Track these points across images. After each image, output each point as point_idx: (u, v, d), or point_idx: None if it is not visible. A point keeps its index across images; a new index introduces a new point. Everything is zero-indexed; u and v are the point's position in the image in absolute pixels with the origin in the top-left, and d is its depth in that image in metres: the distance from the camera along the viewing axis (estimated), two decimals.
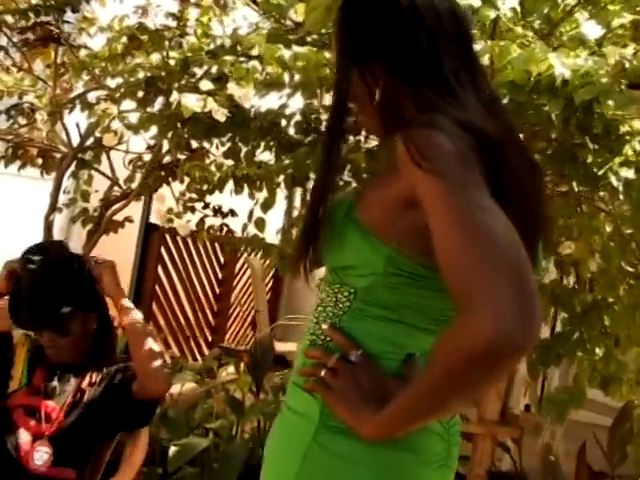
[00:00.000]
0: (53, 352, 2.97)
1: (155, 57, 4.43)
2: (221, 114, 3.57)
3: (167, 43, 4.25)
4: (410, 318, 1.67)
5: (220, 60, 3.77)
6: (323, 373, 1.67)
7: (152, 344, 2.85)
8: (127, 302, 2.91)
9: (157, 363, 2.84)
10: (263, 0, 4.41)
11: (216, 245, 8.32)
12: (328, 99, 4.41)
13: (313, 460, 1.67)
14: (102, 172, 5.46)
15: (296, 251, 1.74)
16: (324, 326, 1.72)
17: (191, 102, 3.54)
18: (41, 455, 2.83)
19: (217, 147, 4.53)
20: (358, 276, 1.68)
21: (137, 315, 2.89)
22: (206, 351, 8.26)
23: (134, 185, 5.26)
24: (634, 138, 3.37)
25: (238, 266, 8.88)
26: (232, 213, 5.12)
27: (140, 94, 4.39)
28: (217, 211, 4.95)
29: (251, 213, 4.68)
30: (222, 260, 8.60)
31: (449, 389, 1.44)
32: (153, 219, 6.98)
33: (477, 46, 2.94)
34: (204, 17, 4.57)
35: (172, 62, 4.29)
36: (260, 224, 4.67)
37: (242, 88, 3.62)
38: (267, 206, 4.70)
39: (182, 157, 5.10)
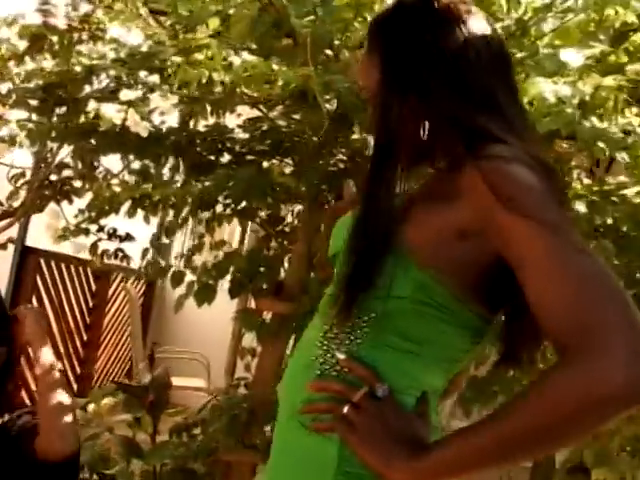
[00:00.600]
0: None
1: (55, 62, 4.00)
2: (143, 128, 3.18)
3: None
4: (430, 353, 1.56)
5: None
6: (346, 410, 1.48)
7: (63, 397, 2.66)
8: (46, 352, 2.72)
9: (67, 418, 2.64)
10: (172, 11, 4.07)
11: (88, 271, 8.02)
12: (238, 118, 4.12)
13: None
14: None
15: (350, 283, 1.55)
16: (340, 355, 1.54)
17: (110, 113, 3.14)
18: None
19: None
20: (379, 298, 1.53)
21: (51, 365, 2.71)
22: (74, 384, 8.02)
23: (16, 203, 4.80)
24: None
25: (110, 293, 8.71)
26: (128, 237, 4.72)
27: (33, 102, 3.95)
28: (112, 235, 4.54)
29: (159, 237, 4.34)
30: (93, 288, 8.39)
31: (551, 432, 1.30)
32: (30, 242, 6.66)
33: None
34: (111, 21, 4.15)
35: (78, 68, 3.86)
36: (163, 250, 4.34)
37: (166, 100, 3.23)
38: (172, 231, 4.36)
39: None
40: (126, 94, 3.24)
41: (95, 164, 4.08)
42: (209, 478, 3.88)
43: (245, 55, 3.15)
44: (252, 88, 3.21)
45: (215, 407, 4.03)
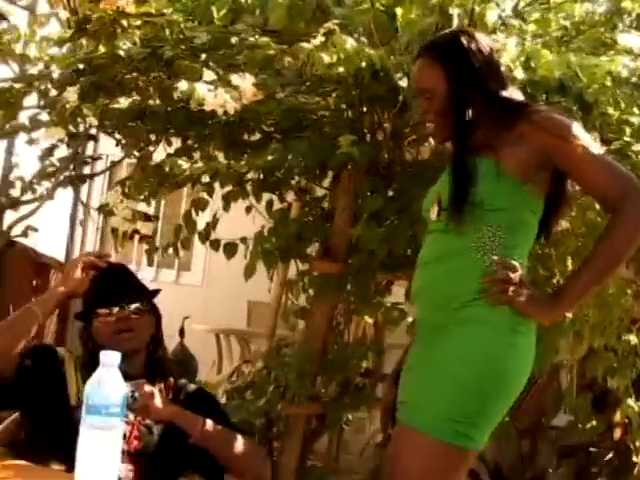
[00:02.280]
0: (125, 337, 2.75)
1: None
2: (232, 107, 3.39)
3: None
4: (529, 244, 2.56)
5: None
6: (512, 289, 2.39)
7: (236, 440, 2.78)
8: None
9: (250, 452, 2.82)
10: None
11: None
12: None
13: (511, 354, 2.41)
14: None
15: (455, 198, 2.46)
16: (494, 257, 2.42)
17: (203, 92, 3.33)
18: (123, 472, 2.57)
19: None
20: (501, 213, 2.44)
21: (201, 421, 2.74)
22: None
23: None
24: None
25: None
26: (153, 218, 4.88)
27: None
28: (147, 218, 4.67)
29: (189, 214, 4.51)
30: None
31: (629, 251, 2.41)
32: None
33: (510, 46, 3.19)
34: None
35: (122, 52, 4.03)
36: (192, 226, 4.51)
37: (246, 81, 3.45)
38: (204, 206, 4.55)
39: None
40: (209, 74, 3.42)
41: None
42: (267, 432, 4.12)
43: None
44: (347, 68, 3.47)
45: (264, 369, 4.31)
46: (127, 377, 2.70)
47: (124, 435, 2.59)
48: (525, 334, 2.44)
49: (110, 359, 1.89)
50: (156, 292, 2.95)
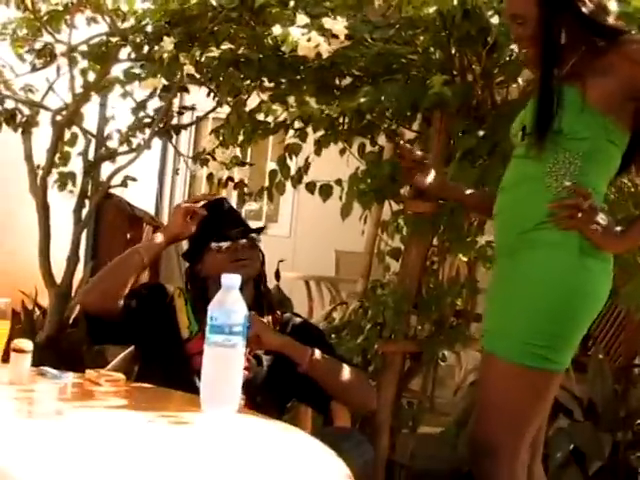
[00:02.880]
0: (242, 264, 2.88)
1: None
2: (325, 51, 3.45)
3: None
4: (606, 172, 2.55)
5: None
6: (581, 215, 2.40)
7: (343, 370, 2.86)
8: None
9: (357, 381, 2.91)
10: None
11: None
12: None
13: (583, 275, 2.43)
14: (88, 131, 5.20)
15: (538, 124, 2.48)
16: (567, 183, 2.45)
17: (297, 36, 3.39)
18: None
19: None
20: (581, 141, 2.44)
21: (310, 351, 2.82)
22: None
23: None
24: None
25: None
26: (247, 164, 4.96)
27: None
28: (242, 163, 4.75)
29: (284, 159, 4.57)
30: None
31: None
32: None
33: None
34: None
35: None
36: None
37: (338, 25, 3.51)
38: (297, 151, 4.61)
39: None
40: (302, 18, 3.48)
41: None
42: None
43: None
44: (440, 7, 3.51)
45: (360, 308, 4.40)
46: None
47: None
48: (598, 257, 2.47)
49: (231, 281, 1.99)
50: (262, 228, 3.05)
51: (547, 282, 2.44)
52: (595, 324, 7.32)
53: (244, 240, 2.94)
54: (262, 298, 3.00)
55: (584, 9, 2.51)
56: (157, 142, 6.06)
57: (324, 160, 4.45)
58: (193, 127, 6.26)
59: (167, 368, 2.72)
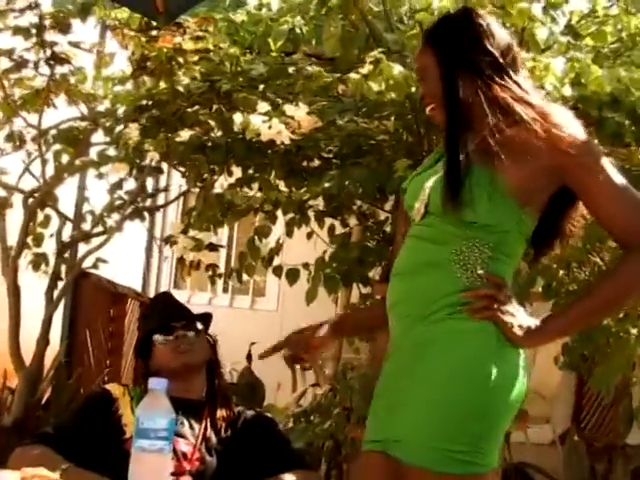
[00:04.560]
0: (185, 350, 2.84)
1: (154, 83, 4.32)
2: (286, 137, 3.49)
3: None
4: (514, 263, 2.30)
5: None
6: (497, 306, 2.19)
7: None
8: None
9: None
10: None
11: None
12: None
13: (503, 367, 2.17)
14: (62, 213, 5.23)
15: (446, 197, 2.19)
16: (480, 271, 2.20)
17: (258, 123, 3.44)
18: None
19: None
20: (491, 232, 2.21)
21: None
22: None
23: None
24: None
25: None
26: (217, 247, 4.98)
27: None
28: (212, 247, 4.78)
29: (253, 240, 4.60)
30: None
31: (623, 301, 2.31)
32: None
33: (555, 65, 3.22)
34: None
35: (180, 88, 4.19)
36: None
37: (298, 110, 3.55)
38: (266, 234, 4.64)
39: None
40: (263, 106, 3.52)
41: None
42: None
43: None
44: (397, 94, 3.55)
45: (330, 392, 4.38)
46: (189, 403, 2.86)
47: (185, 455, 2.73)
48: (514, 348, 2.23)
49: (158, 385, 1.97)
50: (207, 315, 3.04)
51: (464, 374, 2.18)
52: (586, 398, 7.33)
53: (188, 331, 2.92)
54: (216, 390, 2.97)
55: (486, 68, 2.28)
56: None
57: (295, 241, 4.48)
58: (180, 206, 6.32)
59: (107, 465, 2.69)
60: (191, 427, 2.81)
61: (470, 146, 2.24)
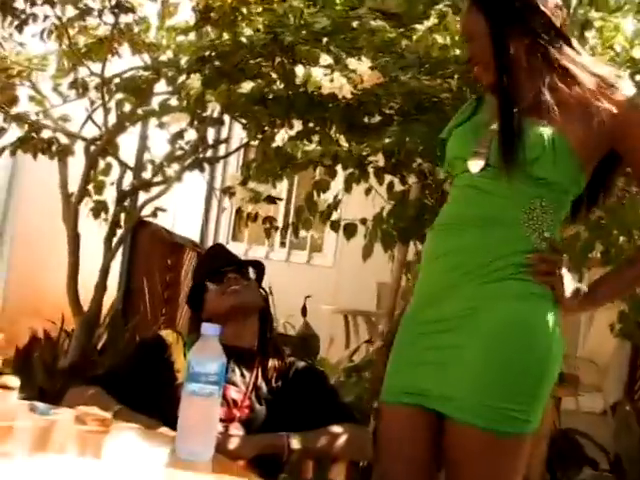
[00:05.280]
0: (235, 290, 2.89)
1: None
2: (348, 91, 3.47)
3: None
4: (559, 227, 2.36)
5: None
6: (557, 271, 2.25)
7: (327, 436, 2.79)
8: None
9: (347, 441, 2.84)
10: None
11: None
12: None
13: (558, 331, 2.25)
14: (123, 161, 5.27)
15: (504, 155, 2.22)
16: (547, 234, 2.25)
17: (319, 76, 3.42)
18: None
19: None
20: (555, 191, 2.25)
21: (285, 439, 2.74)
22: None
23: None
24: None
25: None
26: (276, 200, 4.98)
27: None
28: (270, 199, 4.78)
29: (311, 196, 4.60)
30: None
31: None
32: None
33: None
34: None
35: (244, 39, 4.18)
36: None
37: (362, 64, 3.52)
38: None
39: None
40: (325, 59, 3.50)
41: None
42: None
43: None
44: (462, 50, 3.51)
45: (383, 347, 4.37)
46: (241, 351, 2.89)
47: (235, 403, 2.79)
48: (559, 313, 2.29)
49: (211, 330, 1.99)
50: (259, 263, 3.06)
51: (526, 336, 2.22)
52: None
53: (238, 275, 2.96)
54: (267, 339, 3.00)
55: (539, 28, 2.30)
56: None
57: (354, 197, 4.46)
58: (239, 159, 6.34)
59: (159, 411, 2.73)
60: (242, 375, 2.86)
61: (523, 104, 2.25)
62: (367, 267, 4.75)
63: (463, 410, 2.20)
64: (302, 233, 4.74)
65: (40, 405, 2.38)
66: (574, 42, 2.37)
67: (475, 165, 2.27)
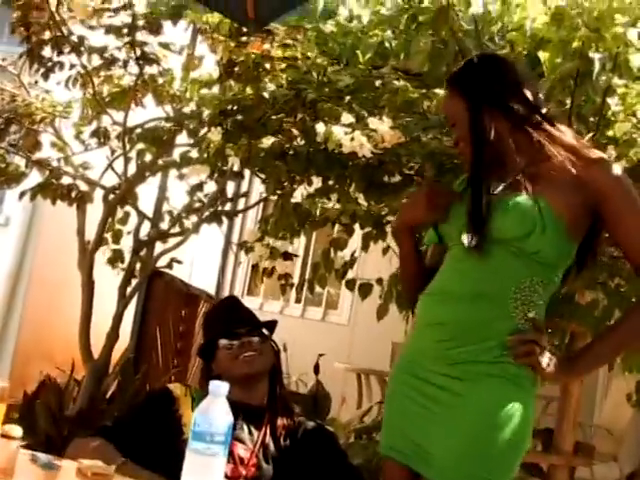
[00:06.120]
0: (249, 358, 2.84)
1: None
2: (367, 150, 3.46)
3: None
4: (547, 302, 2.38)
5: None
6: (539, 351, 2.27)
7: None
8: None
9: None
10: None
11: None
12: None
13: (531, 407, 2.33)
14: (140, 211, 5.27)
15: (473, 232, 2.28)
16: (530, 314, 2.29)
17: (340, 134, 3.42)
18: None
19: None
20: (546, 267, 2.30)
21: None
22: None
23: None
24: None
25: None
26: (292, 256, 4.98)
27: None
28: (287, 256, 4.78)
29: (328, 253, 4.59)
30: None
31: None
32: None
33: None
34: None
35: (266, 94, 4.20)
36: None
37: (383, 125, 3.52)
38: (342, 246, 4.62)
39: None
40: (347, 117, 3.50)
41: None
42: None
43: None
44: None
45: None
46: (250, 409, 2.86)
47: (242, 460, 2.73)
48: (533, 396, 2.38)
49: (219, 389, 1.95)
50: (272, 323, 3.03)
51: (509, 415, 2.29)
52: None
53: (253, 337, 2.92)
54: (277, 397, 2.96)
55: (517, 107, 2.38)
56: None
57: (371, 256, 4.45)
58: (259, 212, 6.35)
59: (163, 465, 2.69)
60: (250, 433, 2.81)
61: (510, 180, 2.34)
62: (382, 326, 4.72)
63: (446, 476, 2.29)
64: (318, 290, 4.73)
65: (42, 456, 2.34)
66: (556, 123, 2.43)
67: (467, 239, 2.32)
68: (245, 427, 2.80)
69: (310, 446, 2.81)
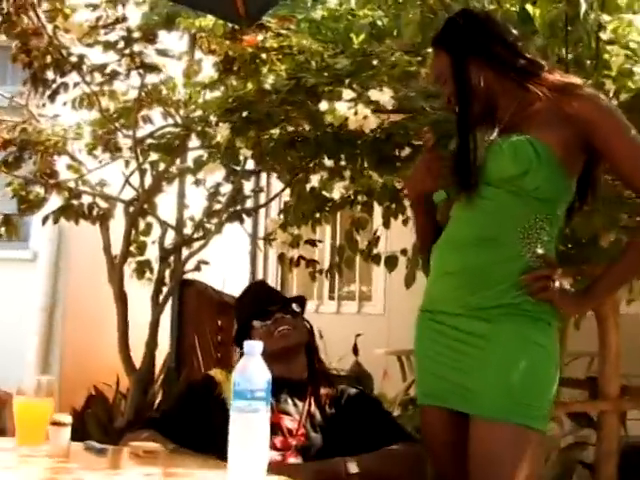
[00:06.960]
0: (283, 333, 2.92)
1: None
2: (373, 122, 3.52)
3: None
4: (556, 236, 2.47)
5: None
6: (557, 284, 2.38)
7: (384, 458, 2.83)
8: None
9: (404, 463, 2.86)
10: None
11: None
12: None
13: (555, 338, 2.44)
14: (162, 220, 5.35)
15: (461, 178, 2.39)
16: (540, 251, 2.38)
17: (343, 110, 3.47)
18: None
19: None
20: (547, 203, 2.37)
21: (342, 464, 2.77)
22: None
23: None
24: None
25: None
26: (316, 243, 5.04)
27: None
28: (311, 242, 4.84)
29: (352, 234, 4.63)
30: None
31: None
32: None
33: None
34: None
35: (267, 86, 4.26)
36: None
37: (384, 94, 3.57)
38: (364, 225, 4.66)
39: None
40: (348, 93, 3.55)
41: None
42: None
43: None
44: None
45: None
46: (290, 382, 2.90)
47: (291, 432, 2.81)
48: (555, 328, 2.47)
49: (253, 348, 2.02)
50: (301, 298, 3.09)
51: (537, 348, 2.41)
52: None
53: (285, 314, 2.98)
54: (316, 370, 3.02)
55: (502, 52, 2.47)
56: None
57: (395, 230, 4.48)
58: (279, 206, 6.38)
59: (213, 449, 2.75)
60: (295, 405, 2.88)
61: (503, 124, 2.43)
62: (417, 311, 4.73)
63: (489, 406, 2.39)
64: (351, 287, 4.77)
65: (94, 444, 2.42)
66: (542, 61, 2.52)
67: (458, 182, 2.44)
68: (289, 400, 2.88)
69: (355, 411, 2.89)
